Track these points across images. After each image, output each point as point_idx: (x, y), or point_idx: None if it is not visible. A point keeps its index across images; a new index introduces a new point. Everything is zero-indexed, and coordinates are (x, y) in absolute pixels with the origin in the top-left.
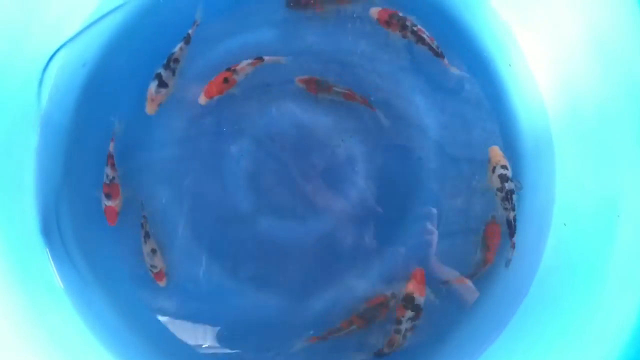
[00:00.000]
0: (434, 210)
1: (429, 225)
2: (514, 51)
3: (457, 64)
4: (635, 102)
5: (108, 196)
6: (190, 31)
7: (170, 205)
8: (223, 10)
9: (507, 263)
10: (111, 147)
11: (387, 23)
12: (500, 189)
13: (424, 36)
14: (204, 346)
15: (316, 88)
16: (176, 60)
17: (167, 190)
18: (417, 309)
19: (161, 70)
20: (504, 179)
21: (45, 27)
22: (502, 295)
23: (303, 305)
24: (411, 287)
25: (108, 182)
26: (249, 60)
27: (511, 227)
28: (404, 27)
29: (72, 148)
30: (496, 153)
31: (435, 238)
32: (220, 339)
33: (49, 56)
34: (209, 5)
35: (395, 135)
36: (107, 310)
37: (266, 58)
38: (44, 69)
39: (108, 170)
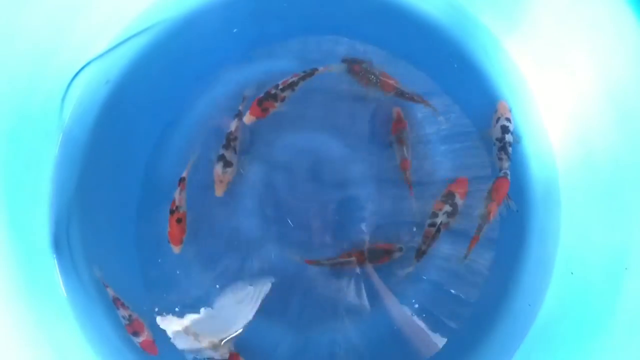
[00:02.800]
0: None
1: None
2: (527, 100)
3: (471, 104)
4: None
5: (136, 334)
6: (240, 107)
7: None
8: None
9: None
10: (111, 292)
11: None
12: (500, 139)
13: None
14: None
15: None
16: (235, 139)
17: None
18: (454, 205)
19: (223, 151)
20: (505, 130)
21: (73, 46)
22: (499, 339)
23: (303, 337)
24: (454, 187)
25: (129, 322)
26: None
27: (506, 176)
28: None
29: (89, 164)
30: (504, 106)
31: None
32: None
33: (73, 74)
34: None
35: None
36: (108, 326)
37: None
38: (69, 85)
39: (123, 312)
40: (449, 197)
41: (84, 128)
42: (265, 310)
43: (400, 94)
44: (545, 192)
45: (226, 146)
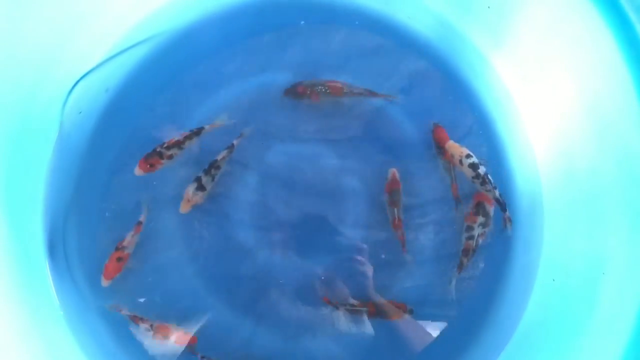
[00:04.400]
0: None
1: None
2: (513, 115)
3: (459, 125)
4: (624, 169)
5: (167, 337)
6: (235, 142)
7: (169, 234)
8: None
9: (507, 230)
10: (126, 312)
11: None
12: (476, 177)
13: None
14: None
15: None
16: (217, 167)
17: (168, 218)
18: (487, 215)
19: (201, 175)
20: (474, 167)
21: (73, 55)
22: (485, 344)
23: (294, 344)
24: (479, 197)
25: (153, 331)
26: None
27: (500, 203)
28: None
29: (85, 171)
30: (455, 147)
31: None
32: None
33: (73, 82)
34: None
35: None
36: (103, 332)
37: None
38: (69, 93)
39: (144, 325)
40: (480, 207)
41: (82, 135)
42: (257, 316)
43: (351, 92)
44: (530, 203)
45: (206, 171)
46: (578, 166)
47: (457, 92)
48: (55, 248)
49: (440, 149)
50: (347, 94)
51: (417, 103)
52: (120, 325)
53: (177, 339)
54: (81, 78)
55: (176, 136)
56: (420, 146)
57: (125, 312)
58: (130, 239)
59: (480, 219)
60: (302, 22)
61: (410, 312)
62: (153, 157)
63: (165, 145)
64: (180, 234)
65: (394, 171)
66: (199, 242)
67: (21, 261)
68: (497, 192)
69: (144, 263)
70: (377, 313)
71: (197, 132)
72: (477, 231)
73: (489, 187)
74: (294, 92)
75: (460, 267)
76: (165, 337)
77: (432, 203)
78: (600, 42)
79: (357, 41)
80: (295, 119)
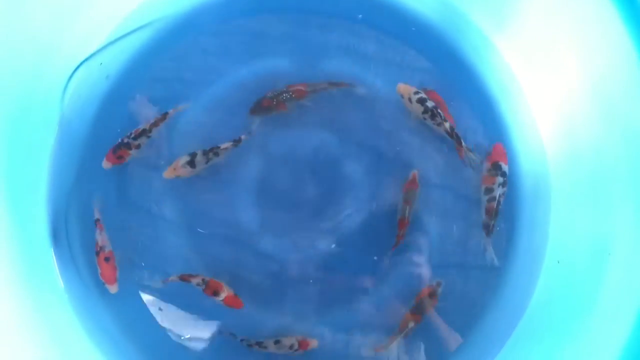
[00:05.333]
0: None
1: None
2: (518, 97)
3: (464, 108)
4: (630, 147)
5: (216, 294)
6: (243, 137)
7: (173, 219)
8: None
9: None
10: (175, 279)
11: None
12: (425, 111)
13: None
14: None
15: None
16: (216, 154)
17: (170, 205)
18: (504, 174)
19: (199, 153)
20: (422, 101)
21: (73, 40)
22: (491, 328)
23: (301, 328)
24: (494, 157)
25: (205, 286)
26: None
27: (453, 136)
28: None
29: (87, 157)
30: (403, 88)
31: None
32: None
33: (73, 68)
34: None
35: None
36: (106, 316)
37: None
38: (69, 79)
39: (196, 280)
40: (496, 168)
41: (83, 121)
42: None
43: (314, 90)
44: (535, 186)
45: (204, 152)
46: (584, 147)
47: (461, 75)
48: (59, 234)
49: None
50: (311, 92)
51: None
52: (124, 312)
53: (227, 298)
54: (80, 64)
55: (142, 126)
56: (425, 129)
57: (174, 278)
58: (100, 237)
59: (499, 179)
60: (360, 16)
61: (439, 284)
62: (121, 148)
63: (132, 135)
64: (182, 220)
65: (415, 173)
66: (201, 227)
67: (25, 247)
68: (447, 125)
69: (141, 251)
70: (420, 314)
71: (163, 117)
72: (497, 192)
73: (438, 120)
74: (259, 108)
75: (488, 229)
76: (216, 293)
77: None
78: (606, 21)
79: (359, 27)
80: (297, 104)
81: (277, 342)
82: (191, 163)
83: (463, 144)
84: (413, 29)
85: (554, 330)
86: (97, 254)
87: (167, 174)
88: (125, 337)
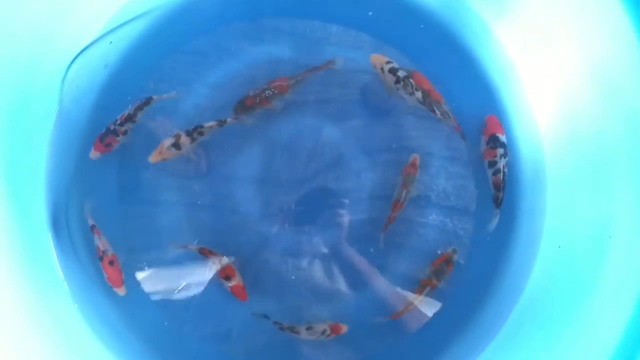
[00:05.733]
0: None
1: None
2: (516, 83)
3: (460, 94)
4: (629, 129)
5: (228, 278)
6: (229, 119)
7: (171, 207)
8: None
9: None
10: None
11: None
12: (397, 81)
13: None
14: None
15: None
16: (201, 133)
17: (170, 193)
18: (503, 145)
19: (182, 133)
20: (394, 71)
21: (72, 29)
22: (491, 313)
23: (301, 318)
24: (490, 130)
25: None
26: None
27: (426, 104)
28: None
29: (86, 147)
30: (376, 58)
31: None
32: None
33: (72, 57)
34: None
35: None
36: (106, 304)
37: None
38: (68, 67)
39: (213, 259)
40: (494, 140)
41: (81, 111)
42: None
43: (296, 81)
44: (533, 172)
45: (188, 132)
46: (582, 131)
47: (459, 61)
48: (59, 223)
49: (425, 92)
50: (293, 85)
51: (420, 72)
52: (124, 300)
53: (235, 287)
54: (79, 54)
55: (126, 111)
56: (423, 114)
57: (193, 248)
58: (100, 242)
59: (500, 151)
60: (370, 13)
61: (455, 251)
62: (108, 136)
63: (118, 121)
64: (181, 209)
65: (415, 157)
66: (200, 215)
67: (25, 237)
68: (419, 94)
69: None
70: (437, 281)
71: (147, 101)
72: (501, 163)
73: (410, 89)
74: (243, 107)
75: (497, 201)
76: (228, 278)
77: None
78: (605, 4)
79: (358, 11)
80: (295, 91)
81: (309, 328)
82: (176, 145)
83: (437, 111)
84: (412, 14)
85: (553, 315)
86: (101, 259)
87: (153, 158)
88: (124, 325)
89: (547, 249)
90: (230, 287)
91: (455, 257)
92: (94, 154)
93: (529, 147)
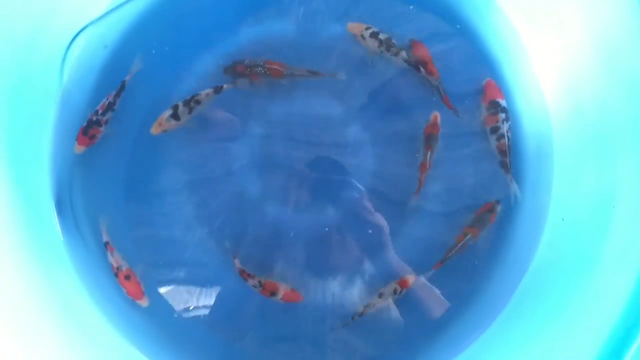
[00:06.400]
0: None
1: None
2: (519, 54)
3: (463, 65)
4: (633, 98)
5: (274, 294)
6: (225, 86)
7: (177, 187)
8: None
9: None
10: (238, 264)
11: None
12: (380, 44)
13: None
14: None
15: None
16: (198, 102)
17: (174, 174)
18: (504, 110)
19: (180, 104)
20: (375, 35)
21: (72, 7)
22: (497, 285)
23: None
24: (489, 95)
25: (261, 288)
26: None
27: (409, 63)
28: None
29: None
30: (353, 27)
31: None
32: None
33: (73, 35)
34: None
35: (402, 128)
36: (112, 285)
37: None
38: (67, 47)
39: (252, 282)
40: (495, 106)
41: (82, 91)
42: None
43: (291, 74)
44: (538, 145)
45: (185, 102)
46: (587, 102)
47: (462, 35)
48: (63, 204)
49: (424, 64)
50: (287, 76)
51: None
52: None
53: (285, 295)
54: (78, 33)
55: (105, 100)
56: (426, 90)
57: (237, 262)
58: (114, 258)
59: (502, 116)
60: (411, 7)
61: (498, 202)
62: (92, 127)
63: (99, 111)
64: (186, 191)
65: (436, 115)
66: (206, 198)
67: (30, 216)
68: (404, 53)
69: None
70: (479, 229)
71: (122, 86)
72: (504, 128)
73: (394, 50)
74: (233, 71)
75: (506, 167)
76: (274, 294)
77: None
78: None
79: None
80: (270, 82)
81: (380, 294)
82: (174, 115)
83: (422, 69)
84: None
85: (558, 287)
86: (116, 275)
87: (154, 130)
88: (130, 304)
89: (551, 221)
90: (281, 298)
91: (498, 208)
92: (78, 149)
93: (533, 119)
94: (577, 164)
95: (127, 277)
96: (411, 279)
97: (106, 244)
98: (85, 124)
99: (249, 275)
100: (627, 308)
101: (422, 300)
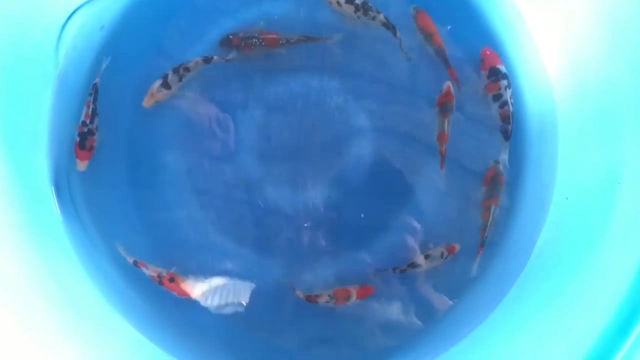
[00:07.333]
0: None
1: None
2: (522, 31)
3: (465, 44)
4: (638, 75)
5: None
6: (215, 57)
7: (174, 169)
8: None
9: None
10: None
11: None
12: (356, 9)
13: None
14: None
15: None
16: (187, 70)
17: (172, 155)
18: (505, 76)
19: (169, 73)
20: (350, 1)
21: None
22: (501, 265)
23: (302, 273)
24: (488, 63)
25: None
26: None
27: (389, 27)
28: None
29: None
30: None
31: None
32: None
33: (68, 15)
34: None
35: (401, 106)
36: (110, 266)
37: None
38: (62, 27)
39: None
40: (496, 73)
41: (79, 73)
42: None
43: (287, 42)
44: (542, 124)
45: (174, 70)
46: (591, 78)
47: (464, 12)
48: (61, 186)
49: (428, 35)
50: (283, 44)
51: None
52: (126, 261)
53: (359, 293)
54: (74, 12)
55: (87, 109)
56: (428, 71)
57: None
58: (151, 270)
59: (503, 83)
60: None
61: (497, 162)
62: (87, 139)
63: (88, 120)
64: (185, 175)
65: (448, 84)
66: (204, 182)
67: (28, 200)
68: (382, 16)
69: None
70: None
71: (95, 90)
72: (507, 95)
73: (372, 13)
74: (228, 43)
75: (506, 134)
76: (348, 298)
77: None
78: None
79: None
80: (298, 50)
81: (427, 256)
82: (165, 84)
83: (397, 33)
84: None
85: (563, 266)
86: (161, 284)
87: (146, 102)
88: (129, 285)
89: (555, 201)
90: (357, 298)
91: (501, 167)
92: (82, 165)
93: (536, 98)
94: (581, 141)
95: (172, 280)
96: (457, 246)
97: (135, 263)
98: (77, 138)
99: (317, 296)
100: (633, 286)
101: (424, 298)
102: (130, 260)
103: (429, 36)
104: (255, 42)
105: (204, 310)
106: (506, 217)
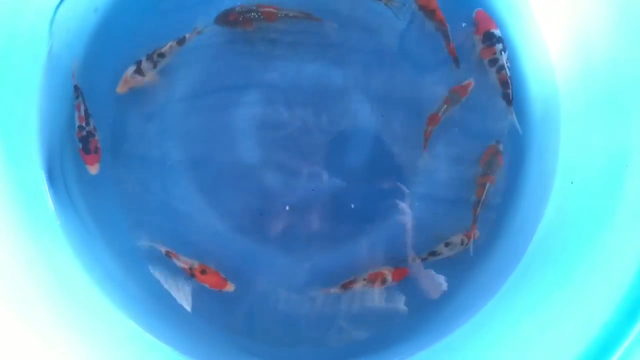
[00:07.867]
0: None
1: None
2: (524, 11)
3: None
4: None
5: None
6: (187, 35)
7: (175, 156)
8: None
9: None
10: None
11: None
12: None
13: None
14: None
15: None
16: (161, 55)
17: (172, 141)
18: (500, 39)
19: (143, 59)
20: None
21: None
22: (504, 250)
23: (304, 262)
24: (482, 27)
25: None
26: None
27: None
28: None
29: None
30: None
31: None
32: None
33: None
34: None
35: (404, 89)
36: (105, 254)
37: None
38: (56, 9)
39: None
40: (490, 37)
41: (72, 56)
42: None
43: (285, 16)
44: (545, 108)
45: (148, 57)
46: (596, 59)
47: None
48: (54, 172)
49: (430, 12)
50: (281, 17)
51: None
52: (122, 250)
53: (395, 275)
54: None
55: (81, 112)
56: (429, 53)
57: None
58: (182, 261)
59: (499, 47)
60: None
61: (498, 142)
62: (90, 141)
63: (84, 123)
64: (185, 161)
65: (470, 82)
66: (203, 166)
67: (20, 186)
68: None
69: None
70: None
71: (79, 91)
72: (503, 59)
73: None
74: (225, 20)
75: (508, 98)
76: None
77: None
78: None
79: None
80: (297, 31)
81: (447, 244)
82: (138, 71)
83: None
84: None
85: (567, 252)
86: (193, 276)
87: (120, 88)
88: (123, 272)
89: (560, 185)
90: (392, 279)
91: (501, 147)
92: (93, 169)
93: (539, 82)
94: (586, 124)
95: (204, 272)
96: (476, 233)
97: (167, 253)
98: (79, 145)
99: (351, 282)
100: (639, 273)
101: (420, 283)
102: (163, 250)
103: (430, 13)
104: (253, 15)
105: (201, 300)
106: (508, 201)
